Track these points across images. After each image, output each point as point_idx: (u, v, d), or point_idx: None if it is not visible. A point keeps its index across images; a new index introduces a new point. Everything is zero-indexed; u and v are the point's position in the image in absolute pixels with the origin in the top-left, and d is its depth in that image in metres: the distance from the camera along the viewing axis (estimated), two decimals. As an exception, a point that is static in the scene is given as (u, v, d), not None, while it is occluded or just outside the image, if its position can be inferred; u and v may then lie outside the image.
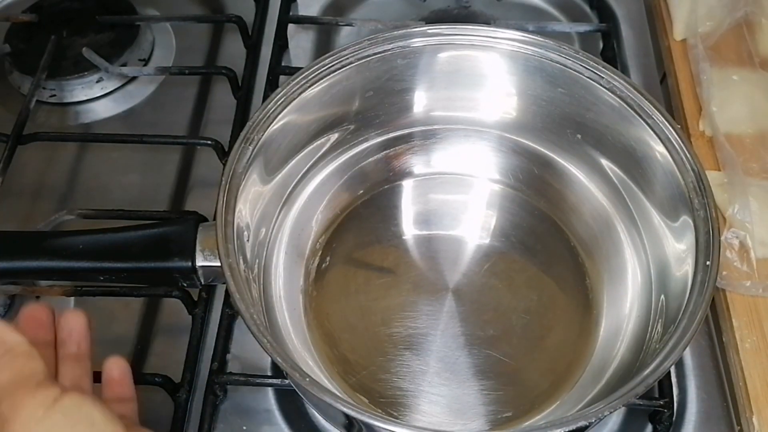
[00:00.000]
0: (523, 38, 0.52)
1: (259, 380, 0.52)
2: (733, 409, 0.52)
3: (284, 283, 0.52)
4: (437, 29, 0.53)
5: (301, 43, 0.74)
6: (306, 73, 0.51)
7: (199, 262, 0.45)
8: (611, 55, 0.69)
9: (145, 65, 0.72)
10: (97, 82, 0.70)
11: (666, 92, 0.68)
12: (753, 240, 0.55)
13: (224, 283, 0.44)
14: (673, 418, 0.50)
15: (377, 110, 0.56)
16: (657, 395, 0.50)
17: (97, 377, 0.51)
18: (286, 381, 0.51)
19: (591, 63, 0.51)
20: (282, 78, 0.68)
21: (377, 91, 0.55)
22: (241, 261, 0.44)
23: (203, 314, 0.55)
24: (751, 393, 0.50)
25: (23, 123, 0.63)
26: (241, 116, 0.66)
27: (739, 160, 0.58)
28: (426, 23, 0.63)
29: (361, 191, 0.58)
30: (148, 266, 0.45)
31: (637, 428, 0.52)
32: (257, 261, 0.50)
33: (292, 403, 0.52)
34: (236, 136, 0.63)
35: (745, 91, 0.63)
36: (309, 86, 0.51)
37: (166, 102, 0.70)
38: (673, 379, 0.52)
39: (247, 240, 0.47)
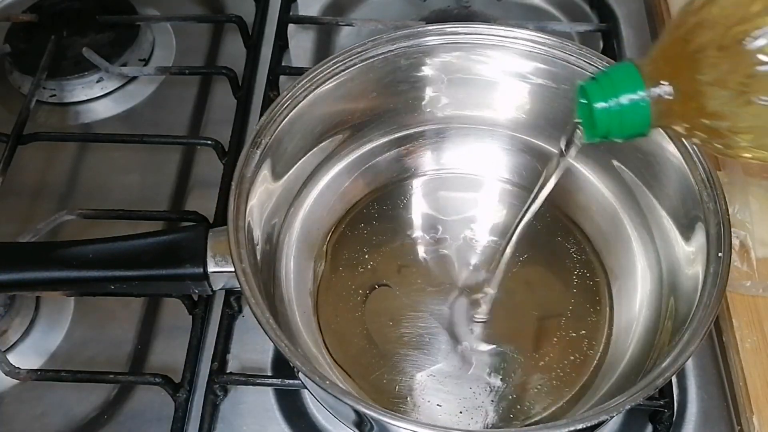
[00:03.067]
0: (531, 37, 0.52)
1: (259, 380, 0.52)
2: (733, 409, 0.52)
3: (294, 286, 0.53)
4: (444, 28, 0.53)
5: (301, 43, 0.74)
6: (312, 75, 0.51)
7: (211, 268, 0.45)
8: (611, 55, 0.69)
9: (145, 65, 0.72)
10: (98, 82, 0.70)
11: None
12: (753, 240, 0.55)
13: (236, 289, 0.44)
14: (674, 418, 0.50)
15: (384, 110, 0.56)
16: (657, 395, 0.50)
17: (97, 377, 0.51)
18: (287, 381, 0.51)
19: (595, 59, 0.51)
20: (282, 78, 0.68)
21: (383, 92, 0.55)
22: (253, 265, 0.44)
23: (203, 314, 0.55)
24: (751, 393, 0.50)
25: (23, 123, 0.63)
26: (241, 116, 0.66)
27: (739, 160, 0.58)
28: (426, 23, 0.63)
29: (369, 191, 0.58)
30: (159, 273, 0.45)
31: (638, 428, 0.52)
32: (267, 264, 0.50)
33: (292, 403, 0.53)
34: (236, 136, 0.64)
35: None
36: (315, 88, 0.51)
37: (166, 102, 0.70)
38: (673, 379, 0.52)
39: (257, 244, 0.47)
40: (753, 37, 0.33)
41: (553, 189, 0.57)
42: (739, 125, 0.35)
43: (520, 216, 0.48)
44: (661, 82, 0.36)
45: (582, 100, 0.39)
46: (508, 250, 0.49)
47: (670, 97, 0.36)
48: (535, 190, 0.46)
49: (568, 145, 0.43)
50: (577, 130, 0.41)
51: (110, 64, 0.69)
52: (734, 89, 0.34)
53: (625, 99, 0.37)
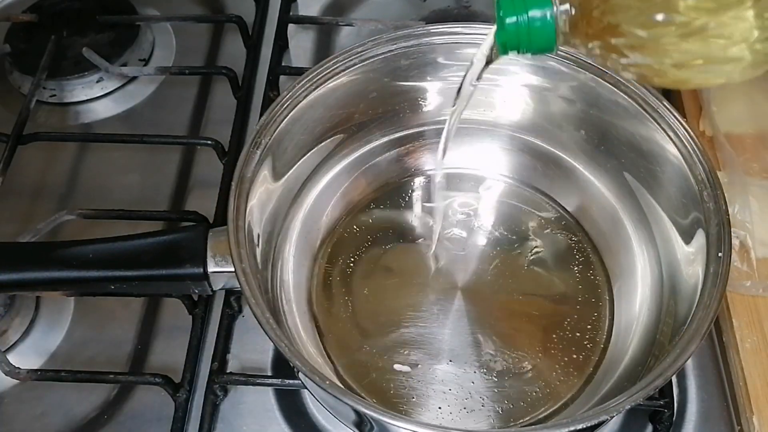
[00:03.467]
0: None
1: (259, 380, 0.52)
2: (733, 409, 0.52)
3: (294, 286, 0.53)
4: (444, 28, 0.53)
5: (301, 43, 0.74)
6: (311, 76, 0.51)
7: (211, 268, 0.45)
8: (611, 55, 0.69)
9: (145, 65, 0.72)
10: (98, 82, 0.70)
11: (666, 92, 0.68)
12: (753, 240, 0.55)
13: (236, 289, 0.44)
14: (674, 418, 0.50)
15: (384, 110, 0.56)
16: (657, 395, 0.50)
17: (97, 377, 0.51)
18: (287, 381, 0.51)
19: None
20: (282, 78, 0.68)
21: (383, 92, 0.55)
22: (253, 265, 0.44)
23: (203, 314, 0.55)
24: (751, 393, 0.50)
25: (23, 123, 0.63)
26: (241, 116, 0.66)
27: (739, 160, 0.58)
28: (426, 23, 0.63)
29: (369, 191, 0.58)
30: (159, 273, 0.45)
31: (638, 428, 0.52)
32: (267, 264, 0.50)
33: (292, 403, 0.53)
34: (236, 136, 0.64)
35: (745, 90, 0.63)
36: (315, 88, 0.51)
37: (166, 102, 0.70)
38: (673, 379, 0.52)
39: (257, 244, 0.48)
40: None
41: (553, 188, 0.58)
42: (639, 42, 0.36)
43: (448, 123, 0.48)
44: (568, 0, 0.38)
45: (498, 15, 0.40)
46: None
47: (575, 15, 0.38)
48: (456, 101, 0.47)
49: (486, 57, 0.44)
50: (494, 44, 0.43)
51: (110, 64, 0.69)
52: (635, 7, 0.35)
53: (532, 14, 0.38)
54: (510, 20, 0.39)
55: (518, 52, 0.40)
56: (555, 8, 0.38)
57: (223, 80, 0.68)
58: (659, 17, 0.35)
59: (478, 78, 0.45)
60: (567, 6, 0.38)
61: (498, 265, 0.55)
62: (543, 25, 0.38)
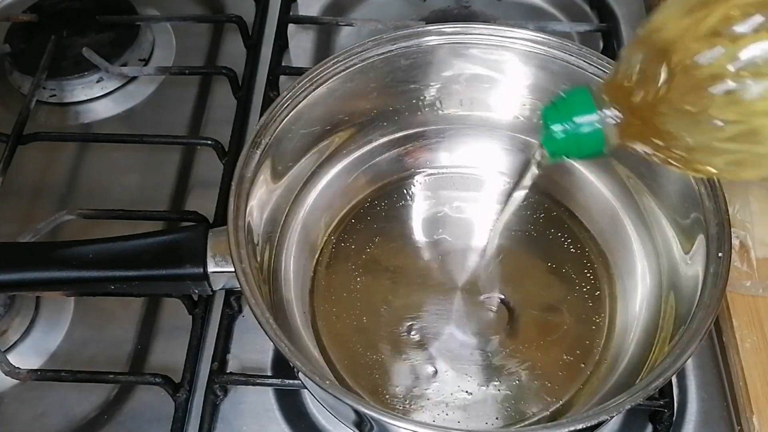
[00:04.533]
0: (531, 37, 0.52)
1: (259, 380, 0.52)
2: (733, 409, 0.52)
3: (294, 286, 0.53)
4: (444, 28, 0.53)
5: (301, 43, 0.74)
6: (312, 75, 0.51)
7: (211, 268, 0.45)
8: (611, 55, 0.69)
9: (145, 65, 0.72)
10: (98, 82, 0.70)
11: (666, 92, 0.68)
12: (753, 240, 0.55)
13: (236, 289, 0.44)
14: (674, 418, 0.50)
15: (384, 110, 0.56)
16: (657, 395, 0.50)
17: (97, 377, 0.51)
18: (287, 381, 0.51)
19: (595, 59, 0.51)
20: (282, 78, 0.68)
21: (383, 92, 0.55)
22: (253, 265, 0.44)
23: (203, 314, 0.55)
24: (751, 393, 0.50)
25: (23, 123, 0.63)
26: (241, 116, 0.66)
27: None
28: (426, 23, 0.63)
29: (369, 190, 0.58)
30: (159, 273, 0.45)
31: (638, 428, 0.52)
32: (267, 264, 0.50)
33: (292, 403, 0.53)
34: (236, 136, 0.64)
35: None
36: (315, 88, 0.51)
37: (166, 102, 0.70)
38: (673, 379, 0.52)
39: (257, 244, 0.48)
40: (699, 61, 0.34)
41: (552, 188, 0.58)
42: (690, 144, 0.37)
43: (494, 223, 0.52)
44: (612, 105, 0.39)
45: (545, 123, 0.41)
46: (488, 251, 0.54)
47: (620, 120, 0.39)
48: (505, 205, 0.51)
49: (536, 165, 0.46)
50: (542, 151, 0.44)
51: (110, 64, 0.69)
52: (681, 110, 0.36)
53: (578, 121, 0.40)
54: (556, 128, 0.40)
55: (568, 158, 0.41)
56: (601, 114, 0.39)
57: (223, 80, 0.68)
58: (713, 121, 0.35)
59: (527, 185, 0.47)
60: (613, 111, 0.38)
61: (498, 265, 0.55)
62: (591, 131, 0.39)
